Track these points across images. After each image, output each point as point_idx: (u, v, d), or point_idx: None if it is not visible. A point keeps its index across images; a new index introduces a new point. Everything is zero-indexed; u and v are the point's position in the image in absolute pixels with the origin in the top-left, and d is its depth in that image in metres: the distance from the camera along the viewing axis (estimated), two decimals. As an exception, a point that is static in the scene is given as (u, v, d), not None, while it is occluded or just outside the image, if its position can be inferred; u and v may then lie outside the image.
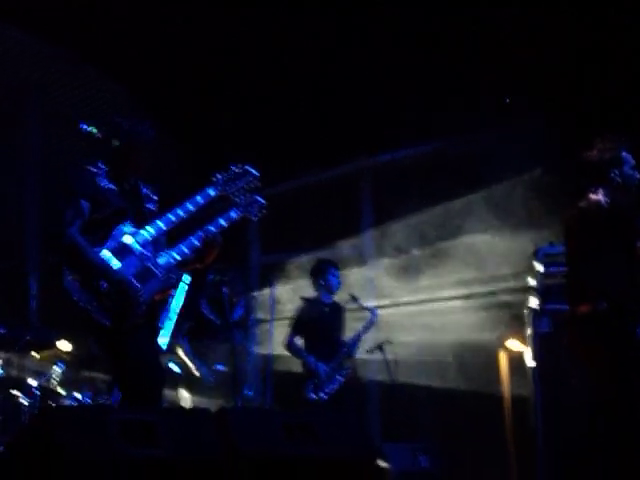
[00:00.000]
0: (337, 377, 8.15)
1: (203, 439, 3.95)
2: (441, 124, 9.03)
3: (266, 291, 8.84)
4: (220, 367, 8.05)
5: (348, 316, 8.69)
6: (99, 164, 5.30)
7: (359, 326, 8.50)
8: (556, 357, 7.23)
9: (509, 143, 9.03)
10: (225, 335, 8.08)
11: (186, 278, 7.80)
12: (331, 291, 8.49)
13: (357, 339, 8.41)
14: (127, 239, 5.14)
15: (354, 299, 8.49)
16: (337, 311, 8.54)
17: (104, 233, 5.13)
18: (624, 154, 5.63)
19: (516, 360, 8.21)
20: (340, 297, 8.67)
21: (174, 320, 7.53)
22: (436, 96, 8.81)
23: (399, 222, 9.76)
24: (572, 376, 6.11)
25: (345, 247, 10.03)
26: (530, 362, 7.60)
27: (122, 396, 5.26)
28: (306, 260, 9.48)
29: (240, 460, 3.84)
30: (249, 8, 8.38)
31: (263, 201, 5.53)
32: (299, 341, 8.41)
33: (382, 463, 6.80)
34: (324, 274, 8.48)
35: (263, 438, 4.02)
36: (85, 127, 5.28)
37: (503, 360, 8.68)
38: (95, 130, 5.28)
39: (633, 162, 5.64)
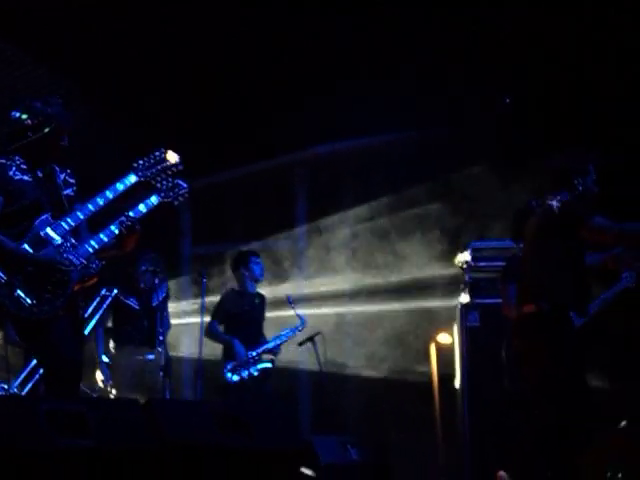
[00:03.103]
0: (255, 366, 8.16)
1: (132, 429, 3.94)
2: (382, 118, 9.07)
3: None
4: (149, 356, 7.99)
5: (279, 315, 8.72)
6: (10, 155, 5.13)
7: (285, 328, 8.51)
8: (484, 350, 7.34)
9: (452, 141, 9.12)
10: (147, 320, 8.04)
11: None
12: (256, 279, 8.50)
13: (282, 341, 8.42)
14: (45, 231, 5.07)
15: (289, 302, 8.49)
16: (260, 301, 8.56)
17: (22, 227, 5.02)
18: (590, 167, 5.80)
19: (446, 353, 8.32)
20: (275, 294, 8.72)
21: None
22: (377, 88, 8.84)
23: (333, 216, 9.79)
24: (506, 376, 6.19)
25: (278, 240, 10.04)
26: (459, 355, 7.70)
27: (45, 386, 5.22)
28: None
29: (168, 450, 3.85)
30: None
31: (185, 185, 5.44)
32: (219, 327, 8.41)
33: (311, 455, 6.87)
34: (246, 263, 8.48)
35: (192, 428, 4.03)
36: (15, 114, 5.15)
37: (433, 353, 8.79)
38: (25, 116, 5.14)
39: (595, 177, 5.82)
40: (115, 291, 7.98)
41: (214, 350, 8.58)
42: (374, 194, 9.59)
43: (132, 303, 8.16)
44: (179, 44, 8.47)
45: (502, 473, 5.49)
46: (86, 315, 8.06)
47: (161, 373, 7.46)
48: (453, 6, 8.20)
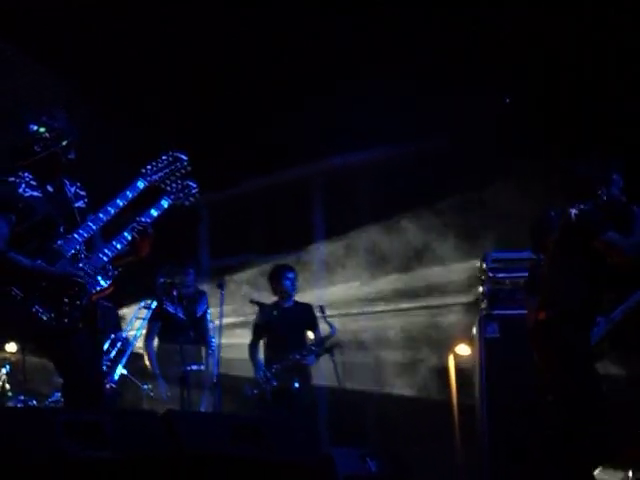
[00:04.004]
0: (272, 383, 8.15)
1: (150, 441, 3.94)
2: (394, 128, 9.07)
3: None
4: (194, 367, 8.05)
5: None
6: (19, 172, 5.11)
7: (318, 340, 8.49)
8: (503, 362, 7.30)
9: (463, 151, 9.09)
10: (193, 333, 8.10)
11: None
12: (286, 294, 8.49)
13: (310, 352, 8.38)
14: (58, 244, 5.08)
15: (321, 311, 8.46)
16: (297, 312, 8.52)
17: (35, 243, 5.03)
18: (615, 176, 5.76)
19: (465, 364, 8.28)
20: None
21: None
22: (389, 100, 8.84)
23: (350, 228, 9.78)
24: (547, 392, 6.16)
25: (298, 252, 10.03)
26: (478, 367, 7.66)
27: (65, 398, 5.23)
28: (257, 264, 9.47)
29: (186, 461, 3.84)
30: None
31: (195, 185, 5.42)
32: (259, 345, 8.45)
33: (331, 467, 6.84)
34: (277, 278, 8.50)
35: (209, 440, 4.03)
36: (33, 127, 5.15)
37: (452, 364, 8.75)
38: (43, 129, 5.16)
39: (622, 185, 5.77)
40: (155, 303, 8.07)
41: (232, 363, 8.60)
42: (391, 203, 9.55)
43: (178, 312, 8.26)
44: (181, 45, 8.50)
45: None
46: (128, 328, 8.21)
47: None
48: (453, 6, 8.19)
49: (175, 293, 8.08)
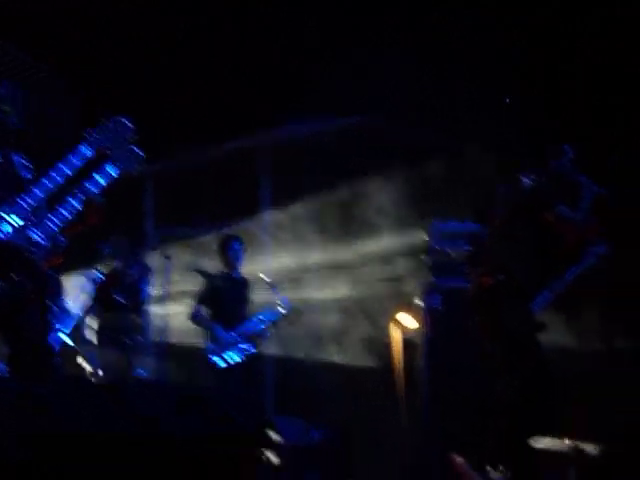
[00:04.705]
0: (237, 350, 8.19)
1: (97, 412, 3.95)
2: (344, 102, 9.09)
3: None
4: (134, 337, 8.05)
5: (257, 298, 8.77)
6: None
7: (266, 311, 8.53)
8: (445, 331, 7.40)
9: (416, 125, 9.14)
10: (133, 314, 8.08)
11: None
12: (233, 265, 8.51)
13: (264, 324, 8.43)
14: (5, 214, 5.03)
15: (269, 286, 8.49)
16: (241, 285, 8.57)
17: None
18: (566, 147, 5.84)
19: (408, 334, 8.37)
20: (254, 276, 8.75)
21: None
22: (340, 72, 8.86)
23: (297, 198, 9.80)
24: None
25: (243, 222, 10.03)
26: (422, 336, 7.76)
27: (11, 369, 5.21)
28: (202, 234, 9.47)
29: (134, 433, 3.87)
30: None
31: (141, 152, 5.41)
32: (203, 312, 8.43)
33: (274, 436, 6.91)
34: (225, 248, 8.51)
35: (157, 411, 4.05)
36: None
37: (395, 333, 8.84)
38: (8, 109, 5.10)
39: (571, 156, 5.84)
40: (99, 275, 8.04)
41: (181, 332, 8.61)
42: (336, 174, 9.58)
43: (120, 298, 8.22)
44: (129, 10, 8.42)
45: (459, 459, 5.55)
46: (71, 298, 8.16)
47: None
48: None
49: (120, 264, 8.05)
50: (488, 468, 5.43)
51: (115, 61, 8.83)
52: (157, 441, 3.95)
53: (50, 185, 5.10)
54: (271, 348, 9.16)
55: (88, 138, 5.25)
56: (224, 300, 8.36)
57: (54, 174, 5.11)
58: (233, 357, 8.17)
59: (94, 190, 5.17)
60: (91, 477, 3.80)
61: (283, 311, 8.41)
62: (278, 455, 7.49)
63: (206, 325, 8.35)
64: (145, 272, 8.44)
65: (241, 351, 8.22)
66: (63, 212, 5.11)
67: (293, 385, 9.32)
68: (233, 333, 8.22)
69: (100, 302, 8.25)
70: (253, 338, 8.35)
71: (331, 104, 9.02)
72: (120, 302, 8.24)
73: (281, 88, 8.97)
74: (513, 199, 5.86)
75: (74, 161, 5.15)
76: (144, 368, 8.21)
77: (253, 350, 8.32)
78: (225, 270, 8.53)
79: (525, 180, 5.77)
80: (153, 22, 8.70)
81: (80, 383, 6.15)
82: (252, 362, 8.34)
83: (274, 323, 8.46)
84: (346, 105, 9.09)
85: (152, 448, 3.92)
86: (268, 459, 7.46)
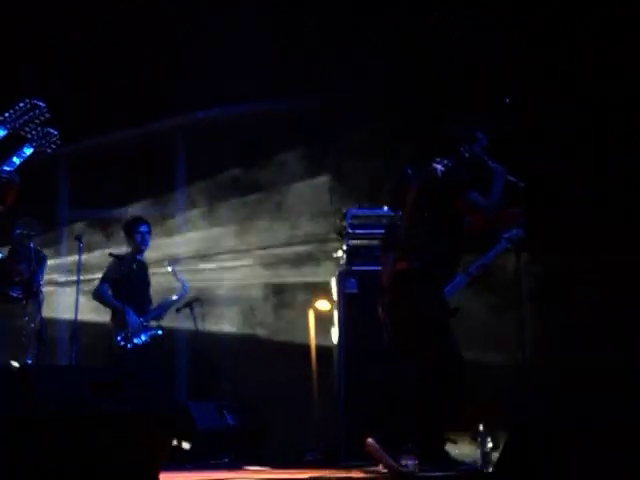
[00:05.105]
0: (145, 332, 8.16)
1: (6, 396, 3.90)
2: (263, 83, 9.08)
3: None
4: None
5: (164, 280, 8.73)
6: None
7: (171, 294, 8.53)
8: (361, 316, 7.45)
9: (329, 106, 9.17)
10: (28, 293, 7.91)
11: None
12: (138, 248, 8.44)
13: (167, 307, 8.44)
14: None
15: (171, 267, 8.48)
16: (142, 266, 8.53)
17: None
18: (479, 134, 5.89)
19: (325, 318, 8.42)
20: (156, 258, 8.69)
21: None
22: (260, 54, 8.84)
23: (212, 180, 9.76)
24: (385, 335, 6.29)
25: (157, 204, 9.95)
26: (336, 320, 7.80)
27: None
28: (116, 216, 9.38)
29: (42, 416, 3.82)
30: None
31: (56, 132, 5.45)
32: (109, 291, 8.35)
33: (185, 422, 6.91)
34: (132, 231, 8.44)
35: (66, 394, 4.01)
36: None
37: (311, 318, 8.89)
38: None
39: (485, 144, 5.91)
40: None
41: (91, 314, 8.51)
42: (252, 159, 9.57)
43: (15, 293, 8.05)
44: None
45: (370, 440, 5.60)
46: None
47: (35, 341, 7.38)
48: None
49: (31, 245, 7.89)
50: (399, 450, 5.50)
51: (33, 39, 8.69)
52: (67, 425, 3.91)
53: None
54: (184, 330, 9.13)
55: (2, 119, 5.24)
56: (131, 283, 8.30)
57: None
58: (140, 339, 8.12)
59: (10, 171, 5.15)
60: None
61: (184, 294, 8.48)
62: (191, 440, 7.51)
63: (110, 303, 8.29)
64: (39, 262, 8.19)
65: (148, 333, 8.18)
66: None
67: (207, 367, 9.31)
68: (142, 317, 8.18)
69: None
70: (157, 320, 8.35)
71: (252, 86, 9.03)
72: (12, 296, 8.09)
73: (200, 70, 8.92)
74: (425, 182, 5.90)
75: None
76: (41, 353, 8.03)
77: (159, 332, 8.30)
78: (132, 252, 8.46)
79: (437, 166, 5.82)
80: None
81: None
82: (163, 344, 8.34)
83: (175, 305, 8.51)
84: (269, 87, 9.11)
85: (61, 432, 3.88)
86: (180, 444, 7.47)
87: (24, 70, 8.72)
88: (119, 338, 8.05)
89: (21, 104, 5.35)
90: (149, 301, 8.46)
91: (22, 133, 5.33)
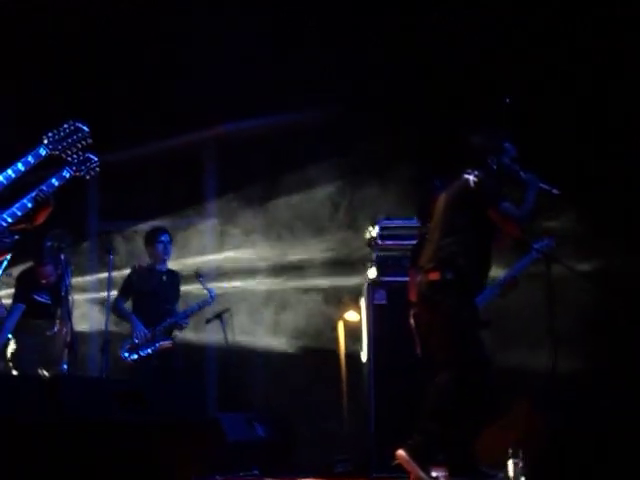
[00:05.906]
0: (155, 343, 8.13)
1: (34, 405, 3.91)
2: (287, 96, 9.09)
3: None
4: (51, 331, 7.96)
5: (191, 290, 8.72)
6: None
7: (196, 301, 8.51)
8: (390, 327, 7.41)
9: (358, 117, 9.16)
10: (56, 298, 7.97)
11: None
12: (160, 258, 8.43)
13: (188, 314, 8.39)
14: None
15: (198, 276, 8.47)
16: (170, 279, 8.49)
17: None
18: (507, 145, 5.87)
19: (354, 329, 8.39)
20: (186, 269, 8.69)
21: None
22: (287, 68, 8.86)
23: (242, 193, 9.77)
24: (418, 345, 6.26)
25: (188, 217, 9.97)
26: (365, 332, 7.77)
27: None
28: (147, 228, 9.41)
29: (69, 426, 3.83)
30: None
31: (96, 159, 5.48)
32: (125, 304, 8.37)
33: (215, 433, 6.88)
34: (151, 241, 8.44)
35: (93, 405, 4.02)
36: None
37: (341, 330, 8.87)
38: None
39: (514, 154, 5.89)
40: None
41: (122, 326, 8.54)
42: (284, 171, 9.57)
43: (43, 299, 8.10)
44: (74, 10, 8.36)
45: (401, 452, 5.56)
46: None
47: (66, 350, 7.41)
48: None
49: (62, 257, 7.94)
50: (430, 462, 5.47)
51: (64, 56, 8.77)
52: (93, 435, 3.92)
53: (5, 181, 5.12)
54: (215, 341, 9.12)
55: (45, 140, 5.29)
56: (145, 294, 8.30)
57: (9, 171, 5.13)
58: (146, 352, 8.10)
59: (48, 192, 5.21)
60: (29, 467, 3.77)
61: (210, 302, 8.41)
62: (221, 451, 7.48)
63: (124, 316, 8.31)
64: (64, 268, 8.23)
65: (154, 347, 8.15)
66: (15, 210, 5.14)
67: (237, 379, 9.29)
68: (149, 329, 8.14)
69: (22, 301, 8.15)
70: (171, 329, 8.30)
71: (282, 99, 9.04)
72: (40, 301, 8.15)
73: (230, 82, 8.95)
74: (455, 194, 5.89)
75: (31, 160, 5.19)
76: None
77: (168, 344, 8.24)
78: (152, 263, 8.46)
79: (468, 177, 5.81)
80: (103, 19, 8.65)
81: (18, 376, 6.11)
82: (192, 355, 8.32)
83: (196, 313, 8.48)
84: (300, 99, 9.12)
85: (87, 442, 3.89)
86: (210, 455, 7.44)
87: (59, 83, 8.81)
88: (123, 350, 8.07)
89: (65, 125, 5.39)
90: (169, 312, 8.34)
91: (63, 156, 5.36)
